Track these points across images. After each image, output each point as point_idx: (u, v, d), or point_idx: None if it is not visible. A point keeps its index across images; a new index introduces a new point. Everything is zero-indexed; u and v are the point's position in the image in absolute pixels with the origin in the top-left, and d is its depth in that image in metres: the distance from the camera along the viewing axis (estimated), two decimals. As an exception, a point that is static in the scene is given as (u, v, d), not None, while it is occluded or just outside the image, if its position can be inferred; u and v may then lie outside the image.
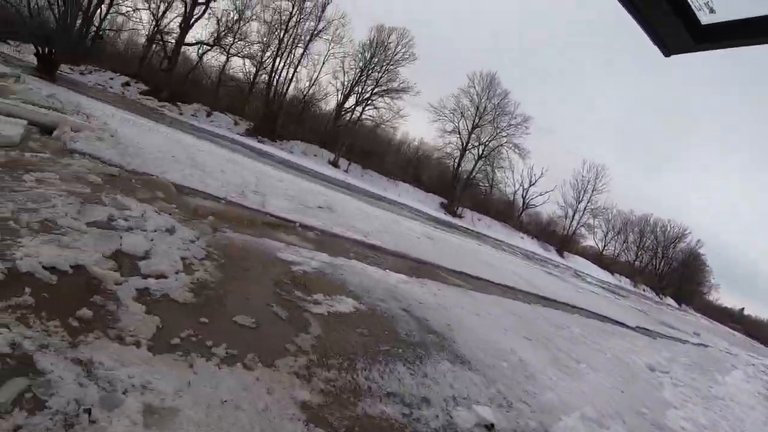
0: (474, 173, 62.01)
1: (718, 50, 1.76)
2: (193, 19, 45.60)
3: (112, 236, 5.18)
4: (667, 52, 1.82)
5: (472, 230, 44.06)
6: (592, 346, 9.98)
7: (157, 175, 8.92)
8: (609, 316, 16.38)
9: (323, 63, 53.52)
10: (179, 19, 46.54)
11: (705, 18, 1.63)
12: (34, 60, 30.09)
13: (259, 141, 42.74)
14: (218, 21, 47.50)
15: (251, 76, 51.76)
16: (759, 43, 1.62)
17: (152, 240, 5.54)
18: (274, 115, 48.02)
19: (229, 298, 5.01)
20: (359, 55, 54.28)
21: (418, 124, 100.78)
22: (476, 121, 60.29)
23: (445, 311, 7.73)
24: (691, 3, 1.59)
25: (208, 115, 44.57)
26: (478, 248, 23.34)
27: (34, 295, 3.61)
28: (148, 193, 7.67)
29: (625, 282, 67.93)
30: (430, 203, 54.32)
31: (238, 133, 42.47)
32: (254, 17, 49.26)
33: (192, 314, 4.34)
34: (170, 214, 6.86)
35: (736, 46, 1.67)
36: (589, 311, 15.58)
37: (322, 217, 11.77)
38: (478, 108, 60.24)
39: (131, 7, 46.68)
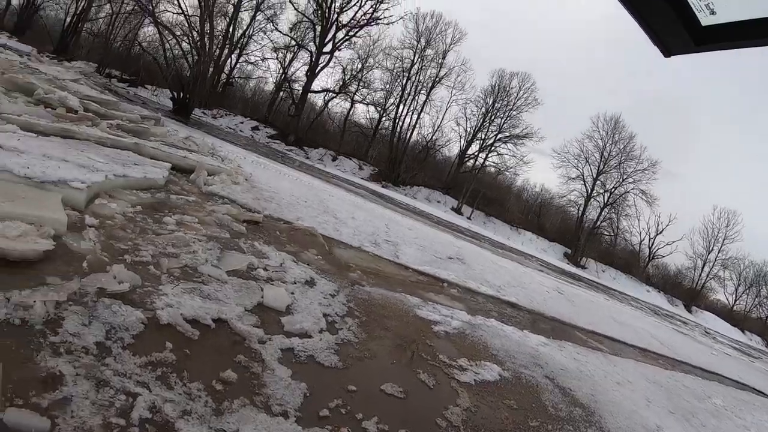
0: (599, 222, 59.32)
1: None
2: (318, 68, 47.88)
3: (253, 288, 5.05)
4: (667, 52, 1.85)
5: (598, 283, 41.83)
6: (736, 421, 9.12)
7: (293, 222, 8.96)
8: (747, 383, 14.84)
9: (446, 109, 54.53)
10: (305, 68, 49.31)
11: (705, 19, 1.66)
12: (169, 103, 32.56)
13: (383, 186, 43.52)
14: (344, 70, 49.73)
15: (375, 122, 53.52)
16: (760, 45, 1.66)
17: (293, 293, 5.38)
18: (397, 161, 48.82)
19: (375, 362, 4.77)
20: (481, 101, 54.57)
21: (539, 169, 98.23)
22: (601, 166, 57.74)
23: (587, 380, 7.27)
24: (691, 4, 1.61)
25: (334, 159, 46.17)
26: (607, 303, 22.12)
27: (176, 351, 3.48)
28: (284, 241, 7.65)
29: (756, 341, 61.31)
30: (552, 253, 52.57)
31: (362, 178, 43.59)
32: (377, 65, 51.24)
33: (339, 380, 4.10)
34: (308, 265, 6.74)
35: (737, 47, 1.73)
36: (727, 378, 14.24)
37: (455, 269, 11.42)
38: (602, 153, 57.83)
39: (259, 56, 50.16)
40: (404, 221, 17.96)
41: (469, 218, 48.79)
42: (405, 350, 5.45)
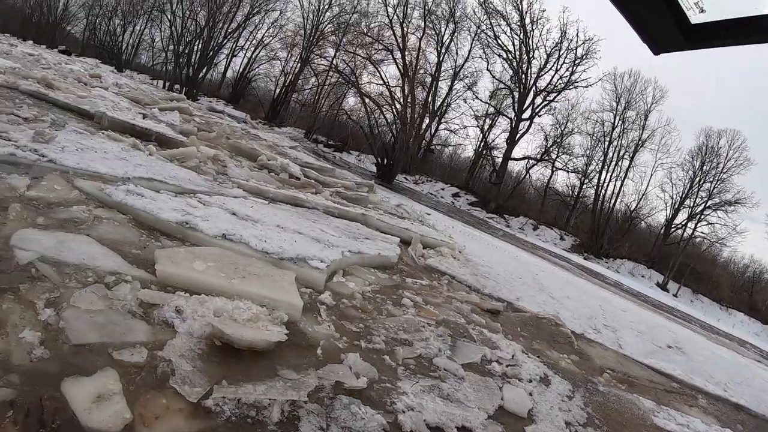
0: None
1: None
2: (518, 135, 47.63)
3: (490, 387, 4.57)
4: (657, 50, 1.87)
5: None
6: None
7: (513, 302, 8.46)
8: None
9: (651, 175, 50.87)
10: (504, 135, 49.57)
11: (694, 17, 1.68)
12: (373, 168, 34.21)
13: (584, 258, 41.55)
14: (546, 136, 49.09)
15: (575, 190, 51.69)
16: (748, 43, 1.74)
17: (531, 394, 4.82)
18: (600, 231, 46.57)
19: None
20: (688, 164, 49.98)
21: (749, 238, 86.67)
22: (818, 234, 49.03)
23: None
24: (680, 2, 1.65)
25: (534, 228, 45.35)
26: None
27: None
28: (516, 329, 7.17)
29: None
30: (765, 337, 45.72)
31: (563, 249, 42.02)
32: (576, 130, 49.98)
33: None
34: (538, 357, 6.15)
35: (726, 45, 1.82)
36: None
37: (677, 362, 10.20)
38: (819, 218, 48.96)
39: (459, 124, 51.04)
40: (615, 300, 16.80)
41: (675, 295, 44.73)
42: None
